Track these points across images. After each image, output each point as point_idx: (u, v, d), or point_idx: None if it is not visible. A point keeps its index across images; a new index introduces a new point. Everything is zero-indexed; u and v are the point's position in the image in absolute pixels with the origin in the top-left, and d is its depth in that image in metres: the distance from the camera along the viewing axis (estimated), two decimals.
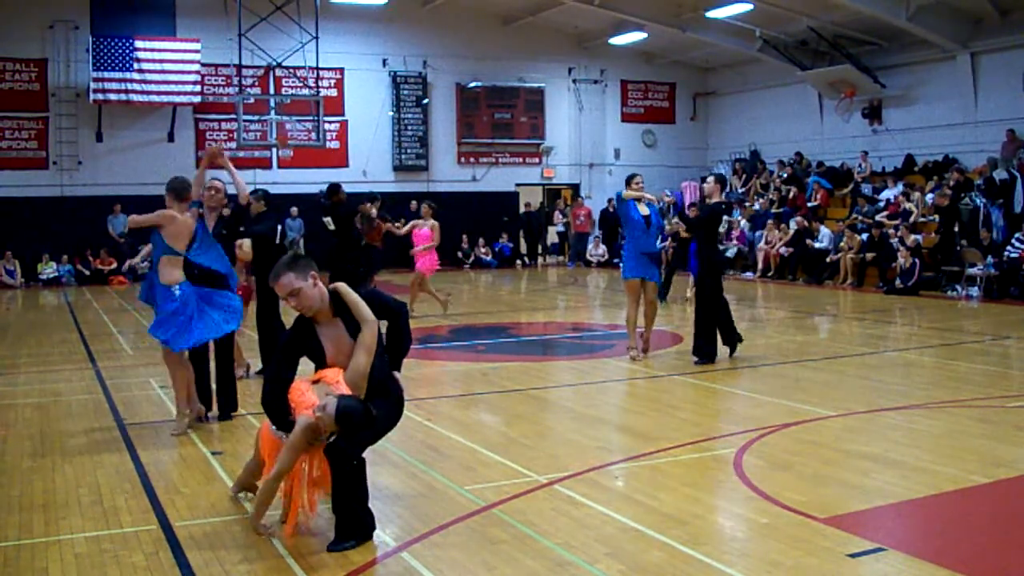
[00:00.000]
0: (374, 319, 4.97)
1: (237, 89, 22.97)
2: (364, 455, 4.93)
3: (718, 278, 10.43)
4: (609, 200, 26.97)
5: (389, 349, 5.24)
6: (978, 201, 18.55)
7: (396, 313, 5.20)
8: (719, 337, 10.36)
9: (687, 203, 21.75)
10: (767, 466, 6.22)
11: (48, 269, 22.44)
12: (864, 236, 19.87)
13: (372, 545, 4.85)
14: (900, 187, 21.42)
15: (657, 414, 8.09)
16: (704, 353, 10.19)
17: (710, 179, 10.74)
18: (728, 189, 26.84)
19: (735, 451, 6.55)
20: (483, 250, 26.59)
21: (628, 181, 10.55)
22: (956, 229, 18.66)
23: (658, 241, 10.94)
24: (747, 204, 24.85)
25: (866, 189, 22.54)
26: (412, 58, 26.38)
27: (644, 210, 10.30)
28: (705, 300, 10.26)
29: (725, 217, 10.21)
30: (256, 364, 9.77)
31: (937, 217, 19.50)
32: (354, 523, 4.85)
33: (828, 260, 20.34)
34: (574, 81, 28.25)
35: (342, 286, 5.05)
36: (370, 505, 4.94)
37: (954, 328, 13.51)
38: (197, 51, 23.13)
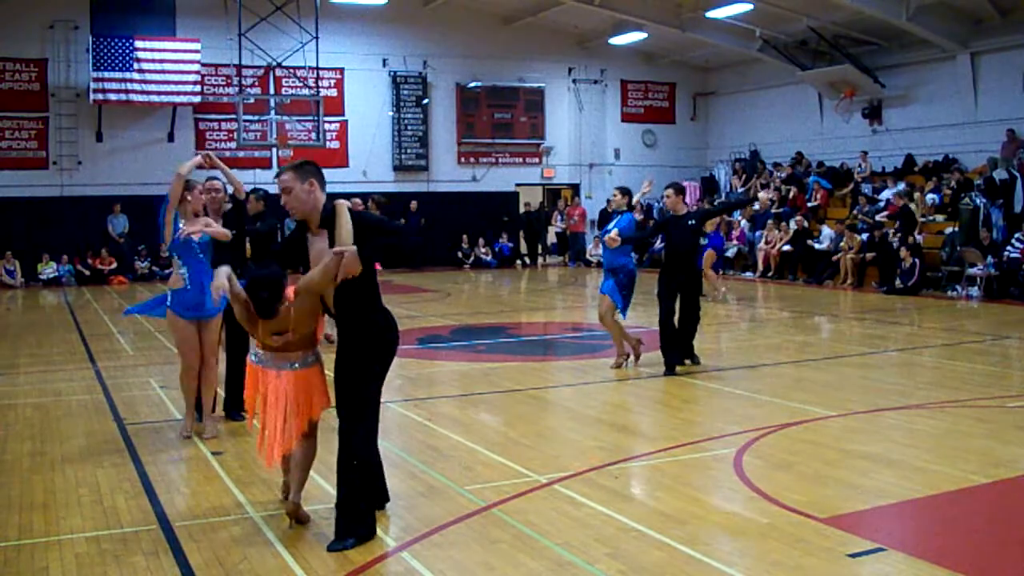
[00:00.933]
0: (350, 248, 4.81)
1: (237, 89, 22.98)
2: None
3: (696, 293, 10.08)
4: (608, 200, 26.96)
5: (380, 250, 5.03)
6: (978, 201, 18.56)
7: (393, 233, 5.04)
8: (669, 345, 9.78)
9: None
10: (767, 466, 6.22)
11: (48, 269, 22.44)
12: (864, 236, 19.88)
13: (372, 545, 4.85)
14: (900, 187, 21.43)
15: (657, 414, 8.09)
16: (689, 356, 10.08)
17: (669, 191, 10.04)
18: (728, 189, 26.87)
19: (735, 451, 6.55)
20: (483, 250, 26.58)
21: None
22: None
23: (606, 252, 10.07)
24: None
25: (866, 189, 22.54)
26: (412, 58, 26.37)
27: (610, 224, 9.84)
28: (685, 308, 9.89)
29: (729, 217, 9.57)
30: None
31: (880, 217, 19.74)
32: (356, 522, 4.86)
33: (834, 259, 20.29)
34: (574, 81, 28.24)
35: (340, 205, 4.99)
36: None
37: (954, 328, 13.51)
38: (197, 51, 23.12)
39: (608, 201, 26.53)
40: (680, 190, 10.10)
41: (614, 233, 9.55)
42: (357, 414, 4.94)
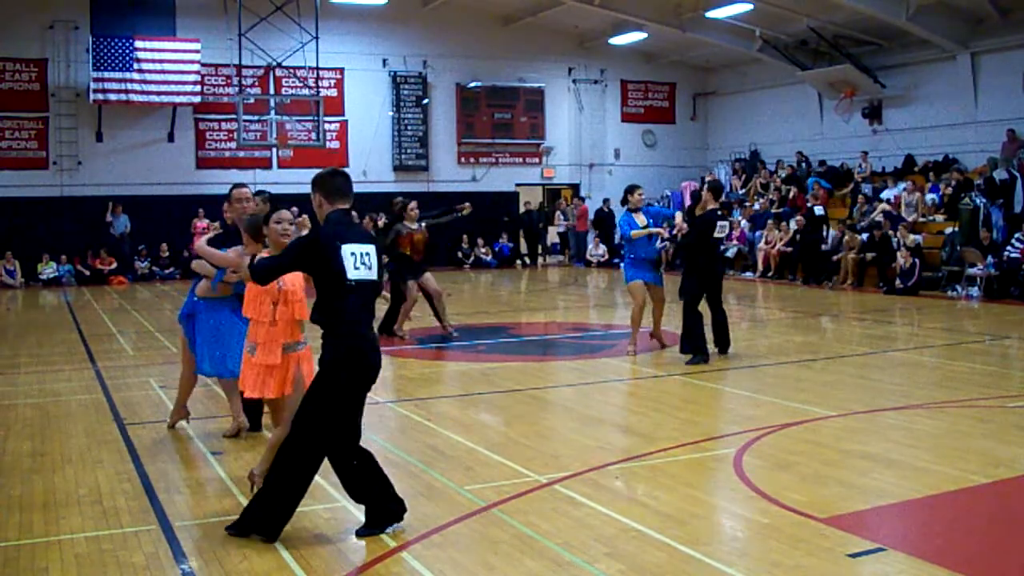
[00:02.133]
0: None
1: (237, 89, 22.97)
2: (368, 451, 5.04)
3: (718, 287, 10.42)
4: (605, 200, 26.97)
5: None
6: (978, 201, 18.56)
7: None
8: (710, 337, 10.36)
9: (686, 205, 21.78)
10: (767, 466, 6.22)
11: (48, 269, 22.44)
12: (864, 236, 19.87)
13: (372, 545, 4.85)
14: (901, 187, 21.43)
15: (657, 414, 8.08)
16: (698, 351, 10.19)
17: (708, 181, 10.94)
18: (728, 189, 26.86)
19: (735, 451, 6.55)
20: (483, 250, 26.58)
21: (631, 191, 10.68)
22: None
23: (657, 243, 11.08)
24: (747, 204, 24.85)
25: (866, 189, 22.54)
26: (412, 58, 26.38)
27: (642, 220, 10.53)
28: (696, 303, 10.22)
29: (721, 223, 10.40)
30: None
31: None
32: (379, 511, 4.99)
33: (834, 259, 20.29)
34: (574, 81, 28.25)
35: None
36: None
37: (954, 328, 13.51)
38: (197, 51, 23.13)
39: (605, 201, 26.66)
40: (710, 187, 10.57)
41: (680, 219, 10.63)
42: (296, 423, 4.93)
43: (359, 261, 4.82)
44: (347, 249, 4.79)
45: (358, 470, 4.96)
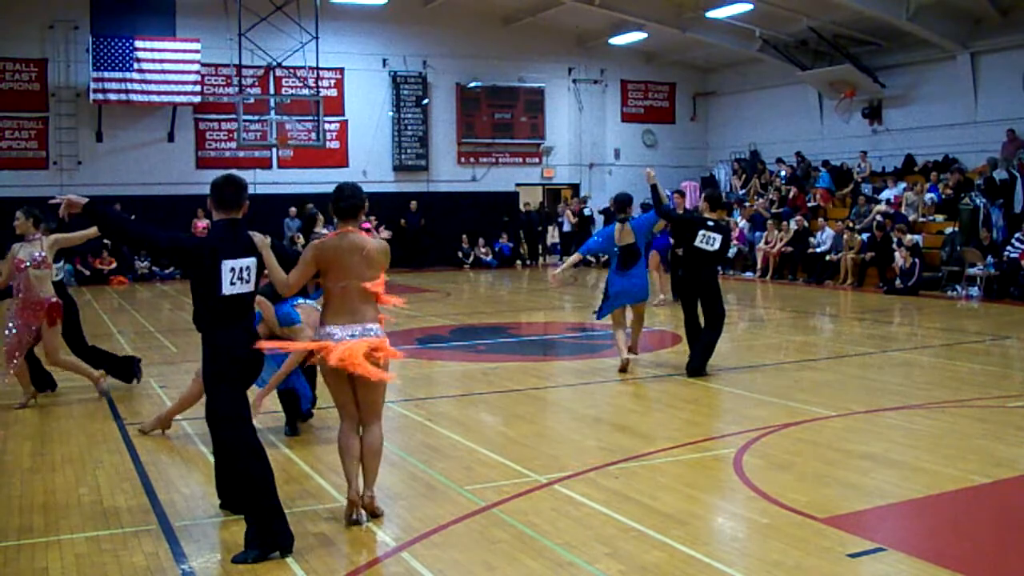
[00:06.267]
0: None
1: (237, 89, 22.96)
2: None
3: (683, 292, 9.99)
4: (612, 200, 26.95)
5: None
6: (978, 201, 18.56)
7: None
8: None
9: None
10: (767, 466, 6.22)
11: None
12: (864, 236, 19.88)
13: (372, 545, 4.85)
14: (901, 187, 21.43)
15: (657, 414, 8.09)
16: (688, 368, 9.62)
17: (706, 191, 10.73)
18: (728, 189, 26.86)
19: (735, 451, 6.56)
20: (483, 250, 26.57)
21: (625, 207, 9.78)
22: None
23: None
24: (747, 204, 24.85)
25: (866, 189, 22.54)
26: (412, 58, 26.36)
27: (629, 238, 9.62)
28: (688, 315, 9.78)
29: (708, 234, 9.33)
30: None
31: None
32: (249, 535, 4.72)
33: (828, 259, 20.33)
34: (574, 81, 28.24)
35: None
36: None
37: (954, 328, 13.51)
38: (197, 51, 23.12)
39: (612, 201, 26.61)
40: (707, 197, 9.81)
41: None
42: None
43: (236, 276, 4.85)
44: (227, 265, 4.81)
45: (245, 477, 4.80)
